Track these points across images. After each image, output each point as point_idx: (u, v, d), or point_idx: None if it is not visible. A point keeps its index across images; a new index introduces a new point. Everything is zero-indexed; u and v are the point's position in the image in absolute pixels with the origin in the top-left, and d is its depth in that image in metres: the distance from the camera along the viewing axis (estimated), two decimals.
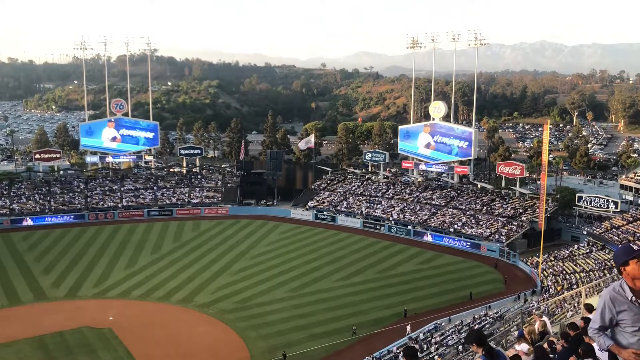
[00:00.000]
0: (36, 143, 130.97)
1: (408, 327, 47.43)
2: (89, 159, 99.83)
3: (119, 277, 63.57)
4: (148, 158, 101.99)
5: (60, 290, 59.85)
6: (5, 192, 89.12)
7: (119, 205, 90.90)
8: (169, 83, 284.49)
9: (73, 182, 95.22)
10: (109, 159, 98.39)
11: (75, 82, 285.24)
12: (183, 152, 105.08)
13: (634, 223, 66.40)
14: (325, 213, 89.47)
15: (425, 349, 42.14)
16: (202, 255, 71.51)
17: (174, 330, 49.86)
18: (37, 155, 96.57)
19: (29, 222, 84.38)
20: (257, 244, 76.52)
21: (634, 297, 5.20)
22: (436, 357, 38.55)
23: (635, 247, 5.28)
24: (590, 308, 13.40)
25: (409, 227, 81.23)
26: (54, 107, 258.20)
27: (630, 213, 70.79)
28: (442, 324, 48.54)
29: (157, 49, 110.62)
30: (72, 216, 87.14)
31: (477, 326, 45.42)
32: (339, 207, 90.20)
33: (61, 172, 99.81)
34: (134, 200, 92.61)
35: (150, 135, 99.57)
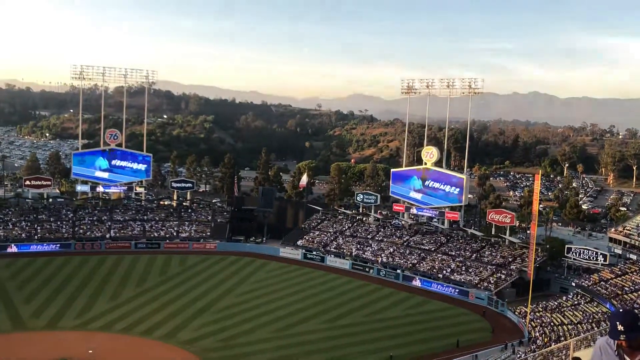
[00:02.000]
0: (27, 169, 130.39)
1: None
2: (80, 187, 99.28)
3: (102, 309, 62.39)
4: (139, 190, 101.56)
5: (41, 320, 58.59)
6: None
7: (107, 235, 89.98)
8: (165, 116, 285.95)
9: (62, 211, 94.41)
10: (100, 188, 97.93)
11: (71, 110, 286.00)
12: (174, 185, 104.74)
13: (622, 277, 66.39)
14: (314, 253, 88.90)
15: None
16: (187, 291, 70.47)
17: None
18: (27, 182, 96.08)
19: (13, 249, 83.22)
20: (244, 282, 75.63)
21: (617, 352, 5.65)
22: None
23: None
24: None
25: (398, 271, 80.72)
26: (47, 134, 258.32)
27: (618, 266, 70.78)
28: None
29: (155, 82, 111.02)
30: (58, 245, 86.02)
31: None
32: (328, 248, 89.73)
33: (50, 200, 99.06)
34: (121, 231, 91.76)
35: (142, 167, 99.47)
